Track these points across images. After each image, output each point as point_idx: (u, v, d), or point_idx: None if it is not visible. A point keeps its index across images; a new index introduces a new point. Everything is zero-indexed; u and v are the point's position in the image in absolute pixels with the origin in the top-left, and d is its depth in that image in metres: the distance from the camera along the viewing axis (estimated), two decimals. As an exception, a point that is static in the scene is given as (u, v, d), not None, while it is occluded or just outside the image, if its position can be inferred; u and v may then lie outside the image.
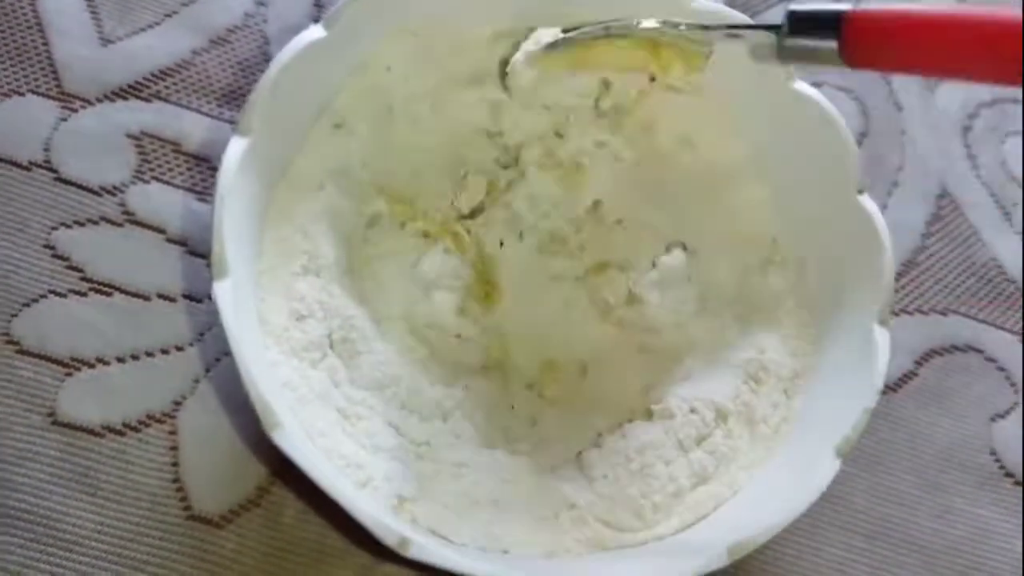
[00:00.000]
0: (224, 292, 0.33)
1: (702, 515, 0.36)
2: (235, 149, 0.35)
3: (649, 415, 0.39)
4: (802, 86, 0.39)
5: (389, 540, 0.31)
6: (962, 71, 0.31)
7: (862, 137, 0.50)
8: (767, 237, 0.41)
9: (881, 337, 0.36)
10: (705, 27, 0.36)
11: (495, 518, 0.36)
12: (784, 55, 0.33)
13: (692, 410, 0.38)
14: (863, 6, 0.31)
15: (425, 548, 0.31)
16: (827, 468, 0.34)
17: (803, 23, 0.32)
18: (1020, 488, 0.44)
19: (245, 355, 0.32)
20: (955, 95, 0.52)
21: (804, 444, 0.36)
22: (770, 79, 0.39)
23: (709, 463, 0.36)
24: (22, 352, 0.38)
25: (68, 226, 0.40)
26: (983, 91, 0.53)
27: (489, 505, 0.36)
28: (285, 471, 0.37)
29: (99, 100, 0.42)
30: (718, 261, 0.42)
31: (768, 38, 0.33)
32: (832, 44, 0.31)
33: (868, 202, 0.38)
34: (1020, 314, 0.48)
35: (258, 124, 0.35)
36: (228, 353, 0.36)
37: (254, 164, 0.36)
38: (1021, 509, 0.43)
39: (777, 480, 0.35)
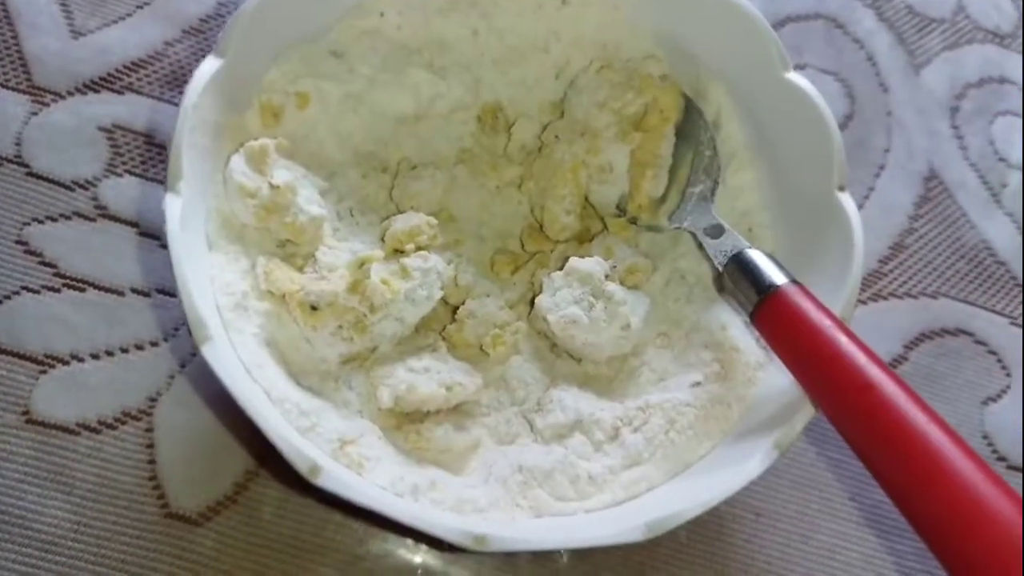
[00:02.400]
0: (173, 205, 0.32)
1: (634, 494, 0.35)
2: (207, 68, 0.34)
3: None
4: (795, 77, 0.38)
5: (301, 466, 0.30)
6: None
7: (847, 120, 0.49)
8: (746, 226, 0.40)
9: None
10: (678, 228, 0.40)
11: (439, 474, 0.35)
12: (720, 289, 0.39)
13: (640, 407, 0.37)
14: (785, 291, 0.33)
15: (335, 478, 0.30)
16: (761, 459, 0.32)
17: (734, 279, 0.36)
18: (1014, 472, 0.43)
19: (184, 269, 0.31)
20: (942, 76, 0.52)
21: (747, 436, 0.35)
22: (765, 68, 0.38)
23: (644, 449, 0.36)
24: (-6, 350, 0.37)
25: (40, 221, 0.39)
26: (970, 71, 0.52)
27: (436, 459, 0.36)
28: (264, 461, 0.37)
29: (70, 93, 0.41)
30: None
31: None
32: (750, 305, 0.35)
33: (847, 199, 0.37)
34: (1010, 296, 0.47)
35: (235, 48, 0.34)
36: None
37: (223, 89, 0.35)
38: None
39: (715, 468, 0.35)
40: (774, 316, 0.34)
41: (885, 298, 0.46)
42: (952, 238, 0.48)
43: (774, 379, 0.36)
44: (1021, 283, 0.48)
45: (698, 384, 0.37)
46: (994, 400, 0.45)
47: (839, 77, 0.50)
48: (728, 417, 0.36)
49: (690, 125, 0.41)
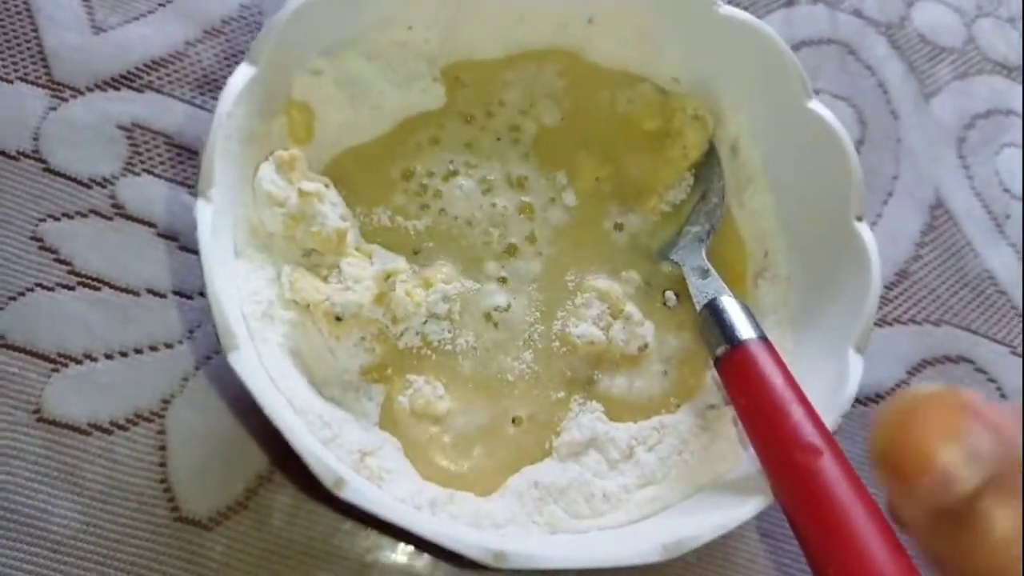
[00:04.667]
0: (204, 211, 0.32)
1: (648, 514, 0.36)
2: (241, 76, 0.34)
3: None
4: (817, 105, 0.39)
5: (326, 479, 0.30)
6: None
7: (859, 145, 0.50)
8: (762, 249, 0.41)
9: (855, 363, 0.35)
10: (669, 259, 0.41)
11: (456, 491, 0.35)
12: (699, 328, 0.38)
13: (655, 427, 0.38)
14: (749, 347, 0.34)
15: (359, 491, 0.30)
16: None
17: (706, 323, 0.36)
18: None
19: (215, 276, 0.31)
20: (951, 105, 0.53)
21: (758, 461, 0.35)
22: (786, 95, 0.39)
23: (658, 469, 0.36)
24: (7, 347, 0.37)
25: (56, 218, 0.39)
26: (978, 102, 0.53)
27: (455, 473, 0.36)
28: (280, 465, 0.37)
29: (90, 90, 0.41)
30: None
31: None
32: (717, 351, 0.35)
33: (864, 229, 0.37)
34: (1010, 326, 0.48)
35: (268, 56, 0.34)
36: (218, 351, 0.35)
37: (254, 96, 0.35)
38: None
39: (728, 490, 0.35)
40: (736, 368, 0.35)
41: (890, 324, 0.47)
42: (956, 266, 0.49)
43: None
44: (1021, 313, 0.48)
45: (712, 407, 0.37)
46: (992, 428, 0.45)
47: (851, 103, 0.51)
48: (741, 440, 0.36)
49: (706, 169, 0.42)
